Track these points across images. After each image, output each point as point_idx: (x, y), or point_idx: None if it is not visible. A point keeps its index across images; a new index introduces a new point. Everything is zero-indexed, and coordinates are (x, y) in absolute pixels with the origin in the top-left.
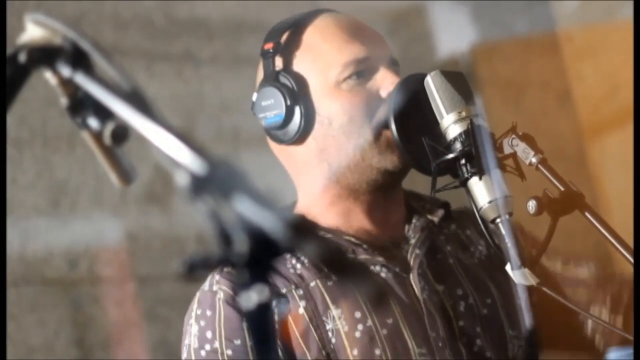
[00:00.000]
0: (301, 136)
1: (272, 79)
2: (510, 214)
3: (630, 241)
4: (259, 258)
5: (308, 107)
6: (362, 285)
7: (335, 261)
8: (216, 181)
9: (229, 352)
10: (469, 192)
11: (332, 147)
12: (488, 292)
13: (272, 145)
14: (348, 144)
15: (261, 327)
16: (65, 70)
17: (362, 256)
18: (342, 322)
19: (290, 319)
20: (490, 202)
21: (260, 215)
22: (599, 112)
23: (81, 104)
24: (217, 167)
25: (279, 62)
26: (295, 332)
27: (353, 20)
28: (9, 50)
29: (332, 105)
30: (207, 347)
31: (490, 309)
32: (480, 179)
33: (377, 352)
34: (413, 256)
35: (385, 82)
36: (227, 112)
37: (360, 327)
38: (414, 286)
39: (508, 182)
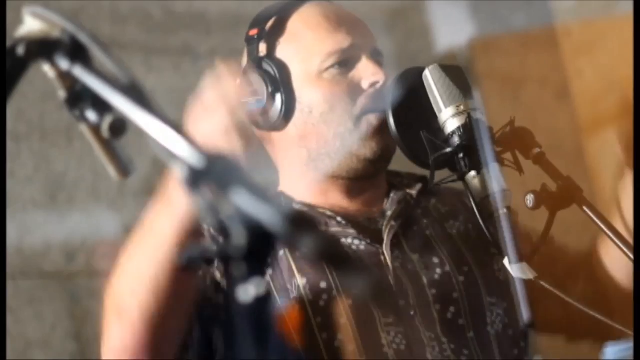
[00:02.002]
0: (281, 123)
1: (255, 65)
2: (509, 208)
3: (626, 235)
4: (257, 251)
5: (289, 95)
6: (330, 256)
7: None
8: (214, 174)
9: None
10: (467, 186)
11: (312, 135)
12: (465, 261)
13: (255, 130)
14: (328, 132)
15: (259, 319)
16: (64, 63)
17: (334, 229)
18: (306, 291)
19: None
20: (488, 196)
21: (258, 207)
22: (597, 107)
23: (79, 97)
24: (215, 160)
25: (262, 49)
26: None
27: (338, 10)
28: (7, 43)
29: (313, 94)
30: None
31: (467, 276)
32: (478, 173)
33: (342, 320)
34: (388, 228)
35: (367, 73)
36: None
37: (325, 296)
38: (386, 256)
39: (506, 176)
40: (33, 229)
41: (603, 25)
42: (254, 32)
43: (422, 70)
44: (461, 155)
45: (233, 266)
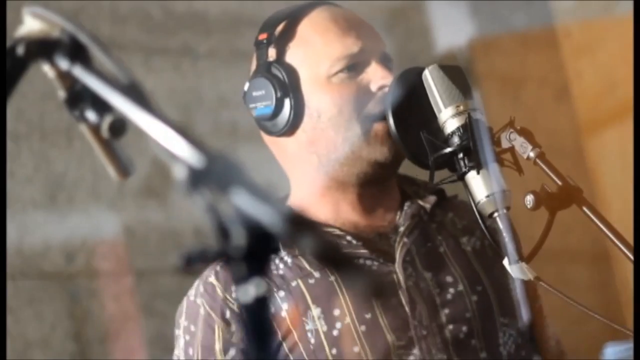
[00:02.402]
0: (290, 128)
1: (264, 69)
2: (508, 208)
3: (626, 235)
4: (256, 252)
5: (298, 100)
6: (344, 277)
7: (320, 252)
8: (214, 175)
9: None
10: (466, 186)
11: (321, 140)
12: (479, 280)
13: (264, 136)
14: (337, 136)
15: (258, 321)
16: (63, 63)
17: (345, 250)
18: (321, 322)
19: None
20: (487, 196)
21: (258, 208)
22: (597, 108)
23: (79, 97)
24: (215, 161)
25: (272, 53)
26: (279, 335)
27: (348, 14)
28: (7, 43)
29: (322, 99)
30: None
31: (481, 296)
32: (478, 173)
33: (356, 349)
34: (400, 245)
35: (376, 77)
36: (224, 106)
37: (338, 325)
38: (399, 275)
39: (506, 176)
40: (33, 229)
41: (603, 25)
42: (263, 36)
43: (421, 70)
44: (461, 155)
45: (233, 267)
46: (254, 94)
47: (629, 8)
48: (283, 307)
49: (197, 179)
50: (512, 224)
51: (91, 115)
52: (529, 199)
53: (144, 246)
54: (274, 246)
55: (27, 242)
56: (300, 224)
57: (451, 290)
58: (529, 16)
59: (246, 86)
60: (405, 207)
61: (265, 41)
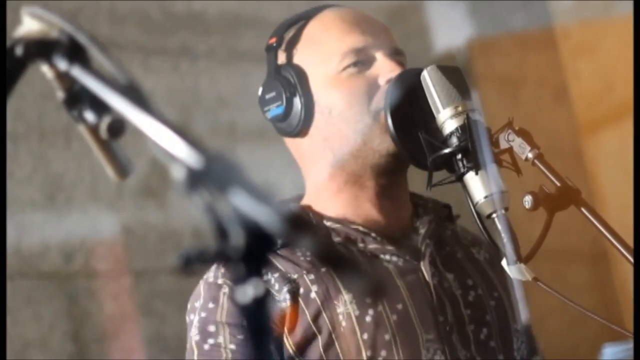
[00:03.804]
0: (303, 127)
1: (274, 72)
2: (506, 209)
3: (625, 236)
4: (255, 252)
5: (307, 98)
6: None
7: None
8: (212, 175)
9: (232, 346)
10: (465, 187)
11: (334, 135)
12: (494, 287)
13: (286, 140)
14: (348, 130)
15: (258, 321)
16: (62, 64)
17: (372, 245)
18: (353, 306)
19: (301, 303)
20: (486, 197)
21: (256, 209)
22: (595, 109)
23: (77, 98)
24: (214, 161)
25: (282, 56)
26: (307, 315)
27: (356, 12)
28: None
29: (332, 94)
30: (211, 340)
31: (497, 301)
32: (477, 173)
33: (387, 337)
34: (424, 244)
35: (384, 70)
36: (223, 106)
37: (371, 311)
38: (425, 272)
39: (504, 177)
40: (31, 230)
41: (601, 26)
42: (273, 40)
43: (420, 71)
44: (459, 156)
45: (231, 267)
46: (267, 96)
47: (627, 8)
48: (312, 289)
49: (195, 179)
50: (510, 224)
51: (90, 115)
52: (528, 200)
53: (142, 246)
54: (272, 245)
55: (25, 243)
56: (300, 224)
57: (472, 293)
58: (527, 17)
59: (260, 90)
60: (421, 212)
61: (275, 45)
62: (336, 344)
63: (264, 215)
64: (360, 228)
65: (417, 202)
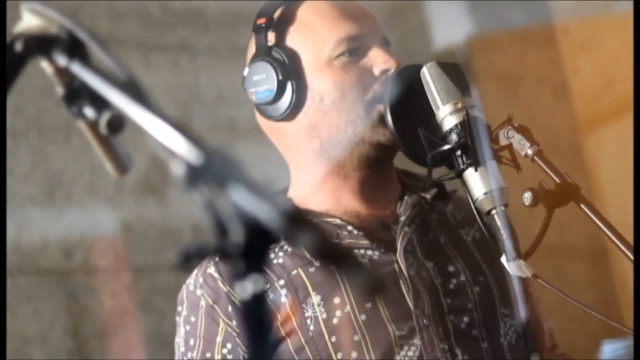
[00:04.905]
0: (292, 112)
1: (264, 53)
2: (506, 206)
3: (624, 233)
4: (252, 248)
5: (300, 83)
6: (343, 271)
7: (318, 247)
8: (212, 171)
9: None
10: (464, 184)
11: (323, 124)
12: (480, 270)
13: (262, 122)
14: (340, 120)
15: (255, 316)
16: (62, 60)
17: (346, 240)
18: (320, 309)
19: (274, 310)
20: (485, 193)
21: (255, 205)
22: (595, 105)
23: (77, 94)
24: (213, 157)
25: (271, 37)
26: (277, 320)
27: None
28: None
29: (324, 82)
30: (189, 354)
31: (482, 286)
32: (476, 170)
33: (356, 338)
34: (401, 234)
35: (378, 61)
36: (222, 102)
37: (338, 313)
38: (401, 264)
39: (503, 173)
40: (31, 226)
41: (601, 23)
42: (261, 20)
43: (419, 67)
44: (459, 152)
45: (231, 263)
46: (254, 78)
47: (627, 5)
48: (282, 294)
49: (195, 175)
50: (510, 221)
51: (89, 111)
52: (527, 196)
53: (142, 242)
54: (271, 242)
55: (24, 239)
56: (297, 220)
57: (453, 280)
58: (527, 13)
59: (245, 71)
60: (406, 198)
61: (264, 25)
62: (306, 348)
63: (263, 211)
64: (338, 221)
65: (405, 183)
